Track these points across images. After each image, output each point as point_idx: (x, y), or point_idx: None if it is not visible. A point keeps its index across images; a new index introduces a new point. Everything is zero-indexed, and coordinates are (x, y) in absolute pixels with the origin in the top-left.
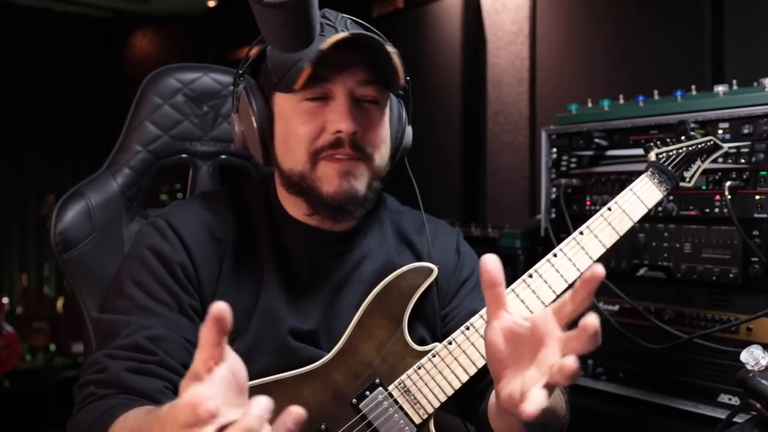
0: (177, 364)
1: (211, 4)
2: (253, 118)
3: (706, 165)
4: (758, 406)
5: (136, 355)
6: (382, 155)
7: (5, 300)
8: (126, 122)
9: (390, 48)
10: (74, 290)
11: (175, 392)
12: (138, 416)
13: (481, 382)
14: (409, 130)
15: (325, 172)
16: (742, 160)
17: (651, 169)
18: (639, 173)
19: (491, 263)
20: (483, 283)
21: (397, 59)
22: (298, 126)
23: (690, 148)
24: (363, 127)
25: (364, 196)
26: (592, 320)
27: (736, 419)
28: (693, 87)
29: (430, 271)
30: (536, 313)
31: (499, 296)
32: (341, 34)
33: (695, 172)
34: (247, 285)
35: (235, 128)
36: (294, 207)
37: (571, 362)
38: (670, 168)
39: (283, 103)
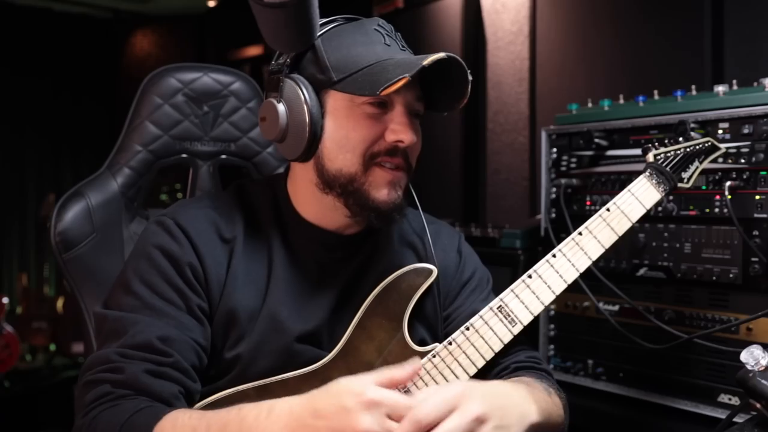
0: (188, 366)
1: (211, 4)
2: (306, 112)
3: (704, 166)
4: (758, 406)
5: (152, 357)
6: (414, 167)
7: (5, 300)
8: (126, 122)
9: (470, 76)
10: (74, 290)
11: (186, 395)
12: (196, 414)
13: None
14: None
15: (377, 178)
16: (742, 160)
17: (649, 170)
18: (639, 173)
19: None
20: None
21: (469, 87)
22: (357, 129)
23: (688, 149)
24: (416, 140)
25: (402, 204)
26: None
27: (736, 419)
28: (693, 87)
29: (430, 271)
30: None
31: None
32: (440, 54)
33: (693, 173)
34: (254, 286)
35: (278, 119)
36: (311, 208)
37: None
38: (668, 169)
39: (338, 102)
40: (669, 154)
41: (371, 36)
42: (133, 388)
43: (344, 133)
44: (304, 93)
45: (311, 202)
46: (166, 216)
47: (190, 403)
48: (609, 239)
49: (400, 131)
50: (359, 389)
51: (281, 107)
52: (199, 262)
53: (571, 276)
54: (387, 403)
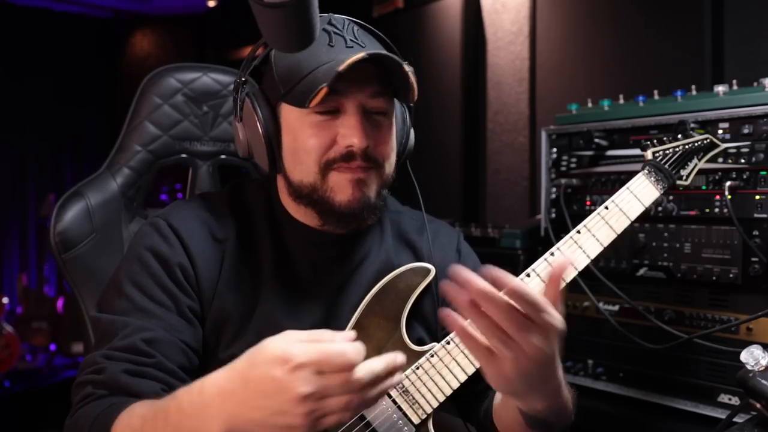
0: (174, 366)
1: (211, 4)
2: (259, 128)
3: (704, 163)
4: (758, 406)
5: (133, 357)
6: (390, 163)
7: (5, 300)
8: (126, 122)
9: (407, 67)
10: (74, 290)
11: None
12: (148, 403)
13: (481, 382)
14: (411, 132)
15: (337, 182)
16: (742, 160)
17: (648, 167)
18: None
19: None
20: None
21: (413, 78)
22: (308, 138)
23: (687, 146)
24: (374, 139)
25: (375, 204)
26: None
27: (736, 419)
28: (693, 87)
29: (428, 271)
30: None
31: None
32: (359, 55)
33: (692, 170)
34: (247, 286)
35: (240, 136)
36: (297, 210)
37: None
38: (666, 166)
39: (290, 114)
40: (668, 152)
41: (317, 38)
42: (111, 387)
43: (298, 144)
44: (258, 110)
45: (293, 207)
46: (159, 217)
47: None
48: (608, 237)
49: (350, 135)
50: (283, 355)
51: (240, 126)
52: (190, 262)
53: (570, 275)
54: (314, 359)
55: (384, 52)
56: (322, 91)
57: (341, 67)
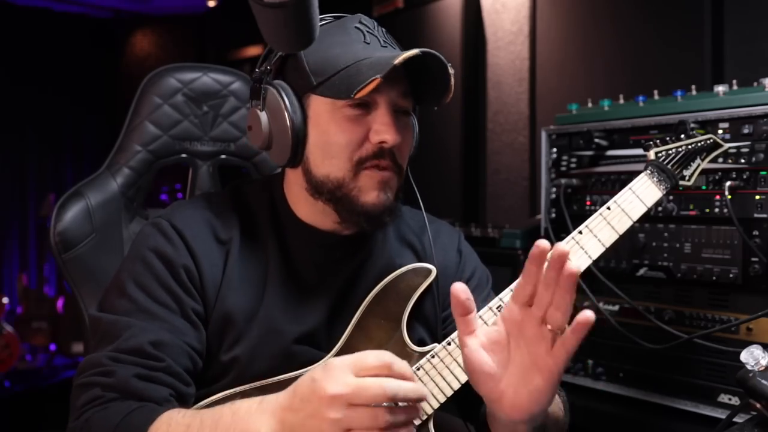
0: (181, 370)
1: (211, 4)
2: (287, 119)
3: (706, 163)
4: (758, 406)
5: (143, 361)
6: (406, 166)
7: (5, 300)
8: (126, 122)
9: (451, 69)
10: (74, 290)
11: (178, 399)
12: (190, 411)
13: None
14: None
15: (366, 183)
16: (742, 160)
17: (650, 167)
18: (639, 173)
19: (463, 293)
20: (455, 310)
21: (452, 81)
22: (339, 133)
23: (689, 147)
24: (401, 137)
25: (394, 206)
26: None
27: (736, 419)
28: (693, 87)
29: (429, 271)
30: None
31: (470, 321)
32: (413, 51)
33: (695, 171)
34: (251, 287)
35: (261, 127)
36: (305, 210)
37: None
38: (669, 167)
39: (320, 106)
40: (670, 152)
41: (351, 35)
42: (122, 391)
43: (327, 138)
44: (285, 100)
45: (305, 205)
46: (162, 218)
47: (182, 407)
48: (610, 238)
49: (383, 131)
50: (323, 387)
51: (263, 116)
52: (194, 264)
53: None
54: (347, 394)
55: (433, 51)
56: (375, 81)
57: (397, 61)
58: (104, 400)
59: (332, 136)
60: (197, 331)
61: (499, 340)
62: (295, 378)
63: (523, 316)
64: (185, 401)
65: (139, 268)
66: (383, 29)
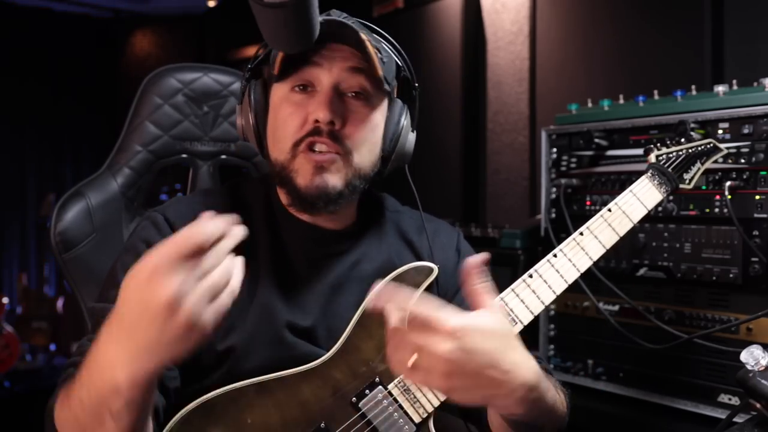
0: None
1: (211, 4)
2: (249, 109)
3: (706, 167)
4: (758, 406)
5: None
6: (363, 153)
7: (5, 300)
8: (126, 122)
9: (364, 35)
10: (74, 290)
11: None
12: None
13: None
14: (411, 136)
15: (301, 165)
16: (742, 160)
17: (651, 170)
18: (639, 173)
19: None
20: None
21: (371, 47)
22: (286, 117)
23: (690, 150)
24: (344, 119)
25: (340, 192)
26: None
27: (736, 419)
28: (693, 87)
29: (431, 270)
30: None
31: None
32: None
33: (695, 174)
34: (244, 280)
35: (239, 120)
36: (285, 201)
37: None
38: (670, 170)
39: (276, 94)
40: (671, 155)
41: None
42: None
43: (276, 123)
44: (251, 92)
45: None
46: (157, 211)
47: (164, 389)
48: (610, 240)
49: (316, 110)
50: (137, 273)
51: (237, 109)
52: None
53: (572, 276)
54: (159, 261)
55: (340, 20)
56: (279, 55)
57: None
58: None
59: (279, 121)
60: None
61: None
62: (297, 375)
63: None
64: (166, 384)
65: (130, 260)
66: (354, 18)
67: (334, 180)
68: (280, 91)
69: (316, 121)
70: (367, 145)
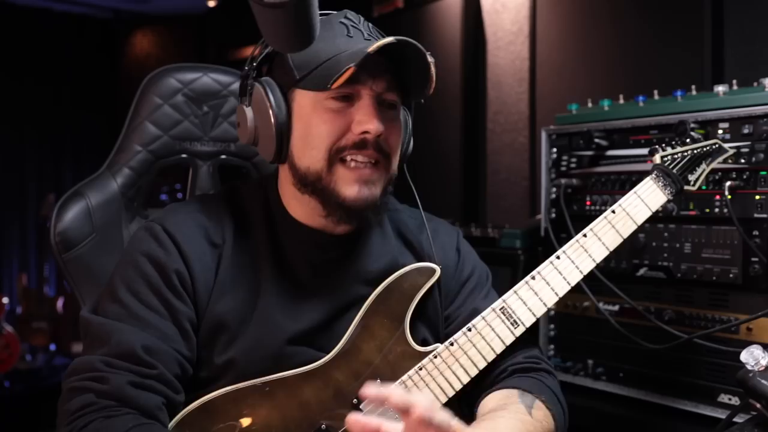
0: (172, 377)
1: (211, 4)
2: (271, 114)
3: (711, 168)
4: (758, 406)
5: (136, 368)
6: (395, 160)
7: (5, 300)
8: (126, 122)
9: (430, 58)
10: (74, 290)
11: (169, 406)
12: None
13: (484, 383)
14: (411, 139)
15: (344, 175)
16: (742, 160)
17: (656, 172)
18: (639, 173)
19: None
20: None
21: (433, 69)
22: (322, 124)
23: (695, 151)
24: (387, 129)
25: (381, 201)
26: None
27: (736, 419)
28: (693, 87)
29: (433, 271)
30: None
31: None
32: (388, 39)
33: (700, 176)
34: (245, 290)
35: (247, 123)
36: (298, 208)
37: None
38: (674, 171)
39: (303, 100)
40: (676, 156)
41: (334, 29)
42: (117, 399)
43: (309, 130)
44: (269, 95)
45: (296, 202)
46: (155, 222)
47: (172, 414)
48: (614, 242)
49: (365, 121)
50: None
51: (249, 111)
52: (187, 268)
53: (575, 278)
54: None
55: (410, 39)
56: (349, 70)
57: (371, 49)
58: (99, 407)
59: (314, 128)
60: (188, 337)
61: None
62: (297, 376)
63: None
64: (176, 408)
65: (131, 273)
66: (370, 24)
67: (377, 190)
68: (309, 98)
69: (364, 132)
70: (398, 152)
